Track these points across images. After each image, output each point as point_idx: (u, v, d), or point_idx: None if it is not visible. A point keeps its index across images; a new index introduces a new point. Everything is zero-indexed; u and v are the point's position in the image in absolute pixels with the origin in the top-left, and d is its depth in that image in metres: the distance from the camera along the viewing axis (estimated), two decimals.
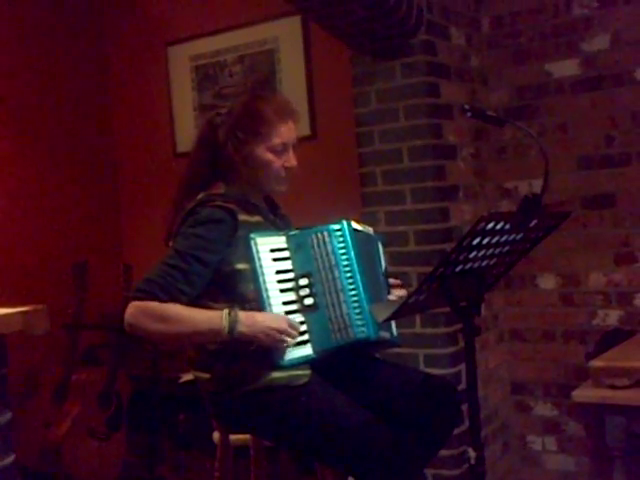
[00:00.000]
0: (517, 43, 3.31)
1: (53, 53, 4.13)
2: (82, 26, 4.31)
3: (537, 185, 3.12)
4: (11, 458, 1.71)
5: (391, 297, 2.21)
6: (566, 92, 3.22)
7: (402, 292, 2.25)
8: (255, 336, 1.96)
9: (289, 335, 1.97)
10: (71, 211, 4.15)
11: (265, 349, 1.99)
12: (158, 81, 4.23)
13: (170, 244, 2.07)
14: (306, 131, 3.71)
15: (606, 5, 3.13)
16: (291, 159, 2.16)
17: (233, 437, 2.32)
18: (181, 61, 4.13)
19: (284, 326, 1.97)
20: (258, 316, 1.97)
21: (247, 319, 1.96)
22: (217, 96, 4.00)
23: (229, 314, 1.94)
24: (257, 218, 2.11)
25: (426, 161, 2.97)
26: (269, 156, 2.11)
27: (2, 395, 1.76)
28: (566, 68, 3.21)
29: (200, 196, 2.09)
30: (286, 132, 2.13)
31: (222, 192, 2.10)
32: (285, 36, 3.75)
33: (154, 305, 1.94)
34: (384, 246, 2.34)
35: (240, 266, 2.02)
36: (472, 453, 1.89)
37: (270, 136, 2.10)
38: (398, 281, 2.28)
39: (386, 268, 2.29)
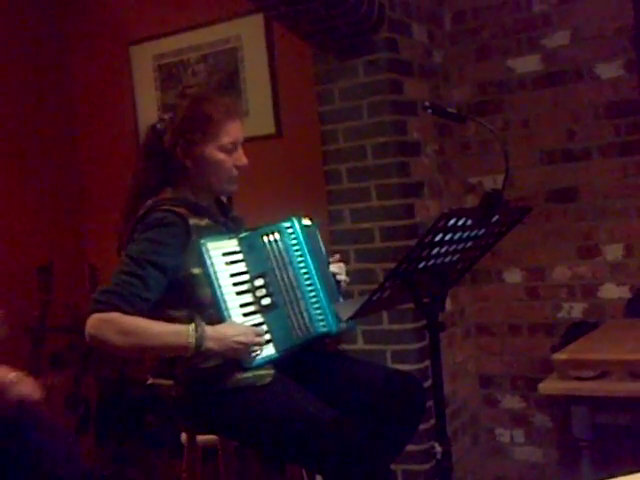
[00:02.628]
0: (479, 39, 3.33)
1: (13, 53, 4.07)
2: (43, 26, 4.26)
3: (501, 180, 3.15)
4: None
5: (332, 268, 2.22)
6: (528, 88, 3.25)
7: (338, 262, 2.26)
8: (223, 351, 1.95)
9: (257, 345, 1.97)
10: (35, 213, 4.10)
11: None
12: (122, 81, 4.19)
13: (122, 253, 2.04)
14: (271, 129, 3.71)
15: (566, 1, 3.16)
16: (242, 157, 2.15)
17: (200, 438, 2.31)
18: (144, 60, 4.09)
19: (252, 339, 1.96)
20: (226, 330, 1.96)
21: (214, 333, 1.94)
22: (181, 95, 3.96)
23: (196, 330, 1.92)
24: (206, 221, 2.09)
25: (390, 158, 2.98)
26: (220, 156, 2.10)
27: None
28: (528, 64, 3.24)
29: (149, 202, 2.07)
30: (234, 130, 2.12)
31: (170, 197, 2.08)
32: (248, 34, 3.73)
33: (117, 317, 1.90)
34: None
35: (196, 271, 2.01)
36: (439, 448, 1.90)
37: (219, 135, 2.09)
38: (337, 256, 2.30)
39: (327, 254, 2.29)
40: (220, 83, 3.82)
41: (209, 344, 1.92)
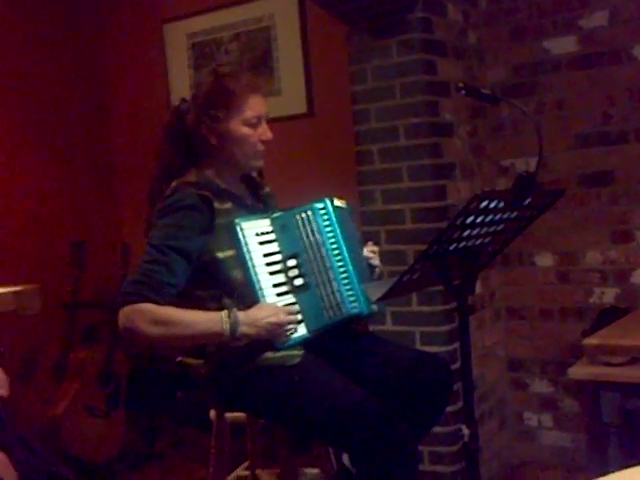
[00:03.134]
0: (515, 20, 3.28)
1: (47, 32, 4.10)
2: (78, 4, 4.28)
3: (534, 163, 3.12)
4: None
5: (365, 252, 2.24)
6: (563, 69, 3.20)
7: (372, 247, 2.28)
8: (257, 334, 1.97)
9: (289, 323, 1.98)
10: (70, 191, 4.14)
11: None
12: (155, 59, 4.21)
13: (146, 240, 2.05)
14: (302, 109, 3.70)
15: None
16: (267, 132, 2.15)
17: (229, 415, 2.34)
18: (178, 39, 4.10)
19: (284, 318, 1.97)
20: (257, 313, 1.97)
21: (247, 318, 1.95)
22: (213, 72, 3.96)
23: (229, 316, 1.94)
24: (228, 205, 2.08)
25: (422, 139, 2.96)
26: (245, 130, 2.11)
27: None
28: (564, 45, 3.18)
29: (172, 184, 2.07)
30: (258, 104, 2.12)
31: (194, 180, 2.08)
32: (281, 13, 3.72)
33: (149, 307, 1.91)
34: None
35: (220, 255, 2.01)
36: (466, 430, 1.90)
37: (243, 109, 2.09)
38: (371, 243, 2.32)
39: (360, 238, 2.29)
40: (253, 62, 3.81)
41: (243, 329, 1.94)
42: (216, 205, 2.03)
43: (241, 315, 1.95)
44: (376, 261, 2.26)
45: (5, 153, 3.86)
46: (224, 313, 1.94)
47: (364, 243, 2.31)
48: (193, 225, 2.00)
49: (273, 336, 1.98)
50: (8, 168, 3.88)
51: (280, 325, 1.97)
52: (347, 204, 2.26)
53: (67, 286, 3.73)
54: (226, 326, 1.93)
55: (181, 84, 4.10)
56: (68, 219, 4.10)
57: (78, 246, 3.77)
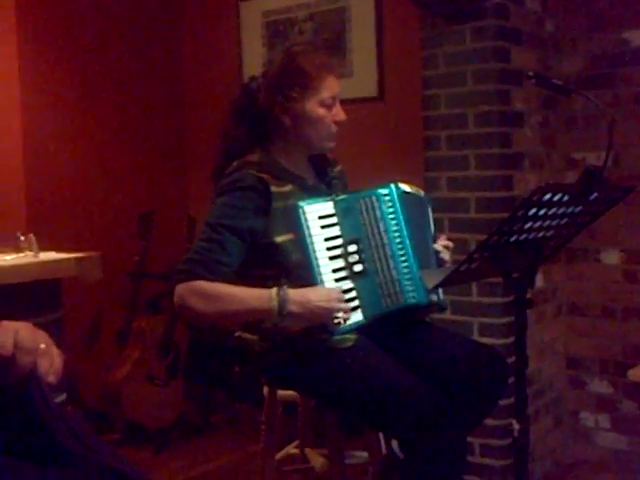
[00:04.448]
0: (594, 9, 3.19)
1: (122, 9, 4.15)
2: None
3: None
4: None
5: (436, 246, 2.19)
6: None
7: (446, 242, 2.23)
8: (306, 316, 1.95)
9: (340, 311, 1.96)
10: (140, 164, 4.22)
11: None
12: (229, 37, 4.24)
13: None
14: (373, 92, 3.68)
15: None
16: (340, 112, 2.13)
17: (281, 393, 2.36)
18: (253, 17, 4.12)
19: (335, 305, 1.95)
20: (309, 294, 1.95)
21: (297, 297, 1.94)
22: (286, 50, 3.97)
23: (278, 293, 1.93)
24: (289, 187, 2.07)
25: (492, 127, 2.92)
26: (321, 111, 2.09)
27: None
28: None
29: (234, 164, 2.07)
30: (333, 84, 2.10)
31: (257, 160, 2.07)
32: None
33: (201, 284, 1.94)
34: (433, 210, 2.31)
35: (278, 239, 2.01)
36: (516, 425, 1.88)
37: (319, 89, 2.07)
38: (444, 236, 2.27)
39: (435, 231, 2.26)
40: (326, 42, 3.80)
41: (292, 307, 1.93)
42: (273, 189, 2.02)
43: (292, 293, 1.94)
44: (447, 256, 2.20)
45: (80, 126, 3.95)
46: (274, 290, 1.94)
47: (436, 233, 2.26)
48: (249, 206, 2.00)
49: (321, 320, 1.97)
50: (82, 141, 3.97)
51: (331, 311, 1.95)
52: (423, 193, 2.22)
53: (134, 256, 3.82)
54: (275, 303, 1.92)
55: (254, 63, 4.11)
56: (138, 191, 4.18)
57: (146, 217, 3.84)
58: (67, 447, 0.99)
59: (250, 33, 4.15)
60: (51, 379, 0.98)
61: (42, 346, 0.98)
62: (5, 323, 0.98)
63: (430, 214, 2.26)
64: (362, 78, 3.70)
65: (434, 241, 2.21)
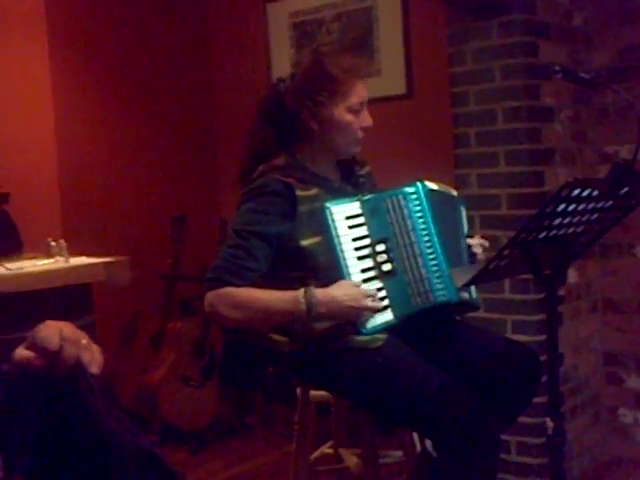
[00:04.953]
0: (624, 1, 3.14)
1: (151, 11, 4.19)
2: None
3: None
4: None
5: (470, 240, 2.17)
6: None
7: (481, 240, 2.21)
8: (335, 315, 1.96)
9: (369, 309, 1.96)
10: (172, 166, 4.25)
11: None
12: (257, 38, 4.25)
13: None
14: (402, 90, 3.67)
15: None
16: (367, 118, 2.12)
17: (314, 393, 2.37)
18: (280, 18, 4.13)
19: (363, 303, 1.95)
20: (336, 293, 1.95)
21: (325, 298, 1.94)
22: (315, 54, 3.98)
23: (305, 295, 1.93)
24: (314, 191, 2.06)
25: (521, 123, 2.89)
26: (349, 117, 2.08)
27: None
28: None
29: (260, 168, 2.07)
30: (361, 90, 2.09)
31: (282, 164, 2.07)
32: None
33: (229, 291, 1.96)
34: (467, 209, 2.29)
35: (304, 242, 2.01)
36: (550, 423, 1.87)
37: (348, 95, 2.06)
38: (478, 236, 2.24)
39: (469, 231, 2.24)
40: (354, 42, 3.80)
41: (320, 309, 1.94)
42: (299, 193, 2.02)
43: (319, 294, 1.94)
44: (479, 251, 2.17)
45: (113, 129, 4.00)
46: (300, 292, 1.94)
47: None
48: (275, 211, 2.01)
49: (350, 319, 1.97)
50: (113, 145, 4.01)
51: (359, 309, 1.95)
52: (455, 192, 2.21)
53: (167, 259, 3.85)
54: (303, 307, 1.93)
55: (282, 64, 4.13)
56: (170, 194, 4.21)
57: (179, 220, 3.87)
58: (112, 429, 1.05)
59: (278, 34, 4.16)
60: (94, 369, 1.04)
61: (84, 341, 1.04)
62: (49, 322, 1.03)
63: (463, 213, 2.25)
64: (390, 76, 3.69)
65: (466, 239, 2.20)
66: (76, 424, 1.03)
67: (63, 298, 1.84)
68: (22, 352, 1.02)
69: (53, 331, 1.02)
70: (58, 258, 2.27)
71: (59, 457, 1.05)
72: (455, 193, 2.25)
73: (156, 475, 1.10)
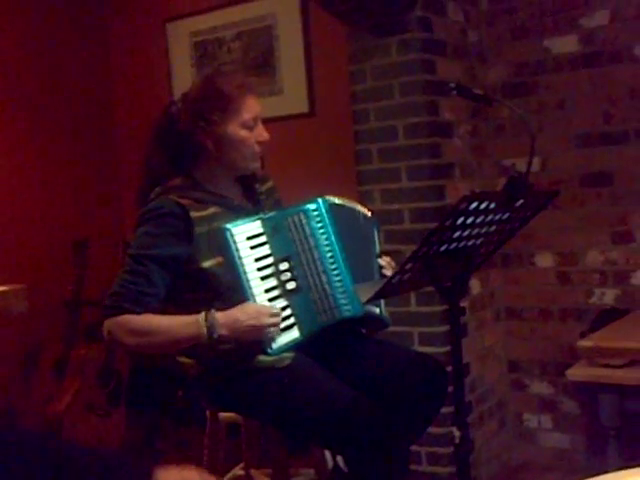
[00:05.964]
0: (516, 19, 3.26)
1: (54, 28, 4.10)
2: (82, 3, 4.28)
3: (535, 162, 3.10)
4: None
5: (380, 261, 2.18)
6: (565, 69, 3.18)
7: (388, 260, 2.22)
8: (238, 337, 1.94)
9: (272, 326, 1.95)
10: (73, 189, 4.14)
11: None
12: (158, 58, 4.21)
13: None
14: (304, 108, 3.69)
15: None
16: (263, 133, 2.12)
17: (224, 415, 2.34)
18: (180, 37, 4.10)
19: (264, 321, 1.94)
20: (237, 314, 1.93)
21: (226, 320, 1.93)
22: (204, 73, 3.96)
23: (206, 318, 1.91)
24: (212, 209, 2.05)
25: (422, 139, 2.95)
26: (243, 133, 2.07)
27: None
28: (565, 44, 3.16)
29: (156, 190, 2.06)
30: (253, 105, 2.09)
31: (178, 184, 2.05)
32: (283, 13, 3.71)
33: (126, 319, 1.92)
34: (378, 228, 2.30)
35: (206, 264, 1.99)
36: (457, 433, 1.89)
37: (240, 112, 2.05)
38: (387, 258, 2.26)
39: (368, 237, 2.24)
40: (255, 61, 3.81)
41: (222, 331, 1.92)
42: (193, 214, 1.99)
43: (220, 317, 1.92)
44: (388, 272, 2.19)
45: (9, 151, 3.87)
46: (201, 316, 1.92)
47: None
48: (170, 232, 1.98)
49: (256, 338, 1.96)
50: (12, 166, 3.88)
51: (260, 328, 1.94)
52: (369, 213, 2.23)
53: (69, 284, 3.74)
54: (203, 330, 1.91)
55: (184, 83, 4.07)
56: (71, 218, 4.10)
57: (80, 245, 3.77)
58: None
59: (178, 53, 4.13)
60: None
61: None
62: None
63: (375, 233, 2.26)
64: (292, 95, 3.71)
65: (378, 256, 2.21)
66: None
67: None
68: None
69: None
70: None
71: None
72: (369, 214, 2.25)
73: None
